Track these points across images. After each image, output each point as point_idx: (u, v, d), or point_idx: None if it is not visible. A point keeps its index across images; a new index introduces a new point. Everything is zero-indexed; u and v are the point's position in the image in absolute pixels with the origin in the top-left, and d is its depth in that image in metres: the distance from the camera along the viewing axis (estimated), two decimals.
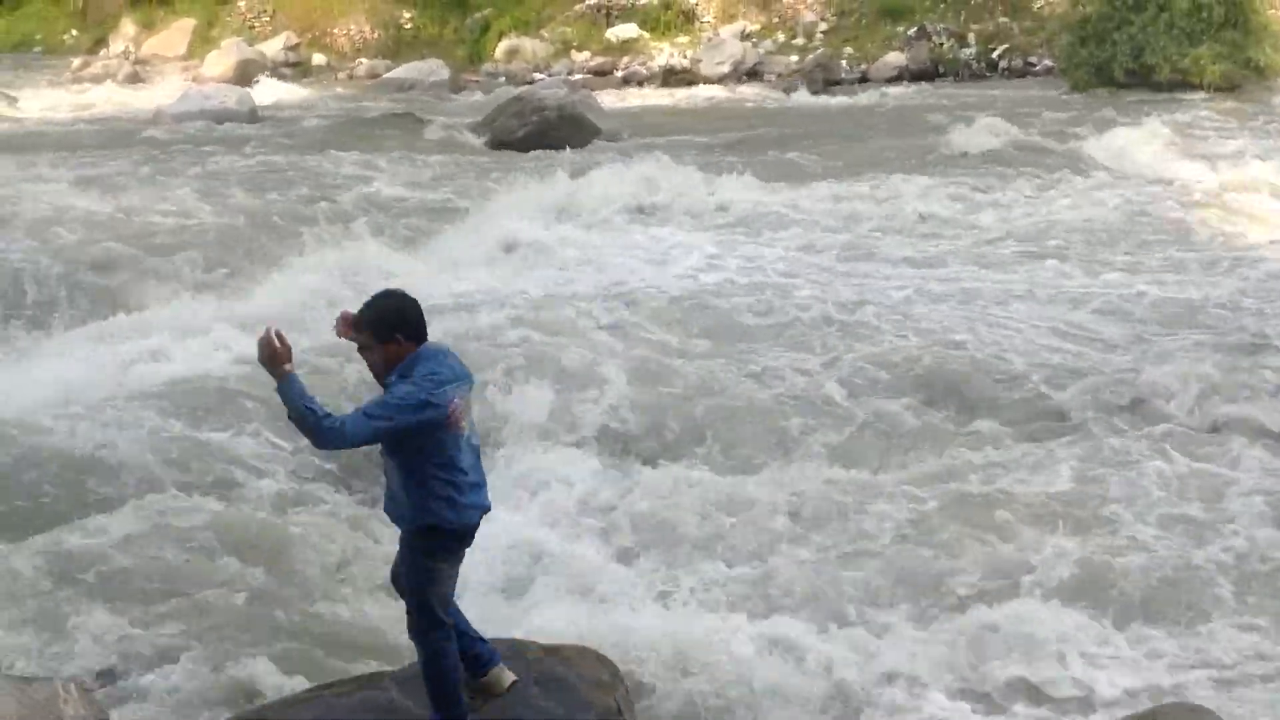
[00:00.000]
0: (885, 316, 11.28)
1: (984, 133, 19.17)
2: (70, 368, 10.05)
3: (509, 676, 5.11)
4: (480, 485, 4.87)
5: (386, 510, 5.00)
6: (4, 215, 14.01)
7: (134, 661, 6.22)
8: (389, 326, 4.72)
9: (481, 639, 5.12)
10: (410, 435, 4.62)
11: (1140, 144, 18.53)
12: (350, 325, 4.85)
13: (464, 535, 4.87)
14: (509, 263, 13.58)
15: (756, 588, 7.04)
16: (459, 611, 5.07)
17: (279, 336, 4.53)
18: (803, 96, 27.88)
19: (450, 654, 4.91)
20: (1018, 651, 6.34)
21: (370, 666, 5.77)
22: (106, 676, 6.11)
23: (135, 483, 7.97)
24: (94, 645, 6.30)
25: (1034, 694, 6.13)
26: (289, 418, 4.55)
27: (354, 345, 4.85)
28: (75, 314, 11.59)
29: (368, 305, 4.81)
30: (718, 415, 9.24)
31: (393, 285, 5.36)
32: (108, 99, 29.41)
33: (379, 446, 4.80)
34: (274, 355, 4.50)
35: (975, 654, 6.37)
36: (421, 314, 4.79)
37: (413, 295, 4.91)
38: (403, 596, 4.99)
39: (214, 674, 6.08)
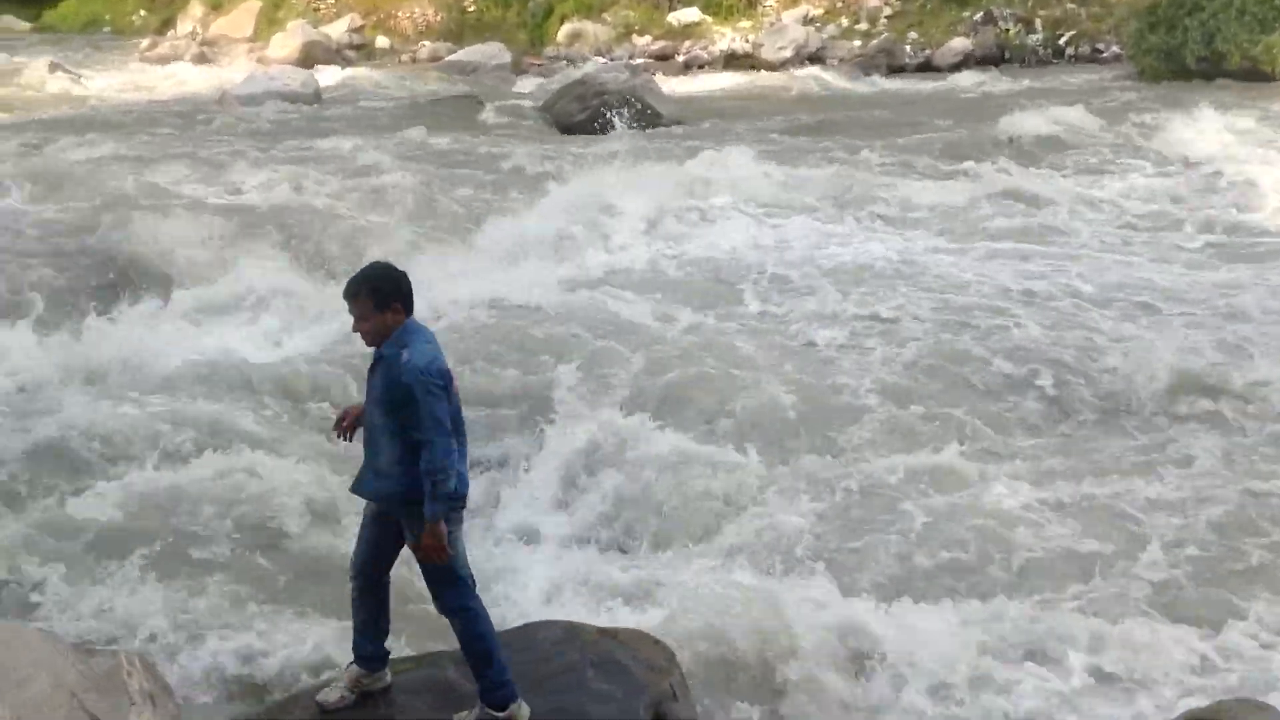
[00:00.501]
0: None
1: (1048, 121, 18.96)
2: (132, 343, 10.22)
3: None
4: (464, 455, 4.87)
5: (368, 491, 4.92)
6: (71, 193, 14.20)
7: (193, 634, 6.31)
8: (386, 295, 4.77)
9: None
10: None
11: (1211, 133, 18.21)
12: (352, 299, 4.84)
13: (463, 499, 4.88)
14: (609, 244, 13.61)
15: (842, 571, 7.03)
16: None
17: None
18: (866, 81, 27.66)
19: (486, 615, 4.96)
20: (1083, 636, 6.32)
21: (428, 646, 5.79)
22: (166, 649, 6.21)
23: (195, 454, 8.07)
24: (155, 617, 6.41)
25: (1100, 678, 6.08)
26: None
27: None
28: (140, 292, 11.67)
29: (366, 276, 4.85)
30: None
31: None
32: (174, 80, 29.77)
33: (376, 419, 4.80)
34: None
35: (1035, 636, 6.34)
36: (409, 285, 4.85)
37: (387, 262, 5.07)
38: (373, 582, 5.04)
39: (274, 648, 6.16)
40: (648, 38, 33.44)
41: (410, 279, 4.90)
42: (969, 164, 16.89)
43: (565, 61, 31.82)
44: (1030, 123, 18.87)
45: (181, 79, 29.78)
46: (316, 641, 6.11)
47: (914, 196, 15.32)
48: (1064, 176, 16.35)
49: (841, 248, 13.26)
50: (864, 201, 15.08)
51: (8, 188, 14.44)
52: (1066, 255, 12.91)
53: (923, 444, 8.57)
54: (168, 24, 40.88)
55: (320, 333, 10.29)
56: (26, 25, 45.22)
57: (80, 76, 28.71)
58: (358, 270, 4.95)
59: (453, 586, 4.89)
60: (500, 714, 4.87)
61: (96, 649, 5.51)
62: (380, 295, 4.77)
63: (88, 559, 6.85)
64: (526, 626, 5.76)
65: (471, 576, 4.95)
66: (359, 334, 4.83)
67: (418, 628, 5.97)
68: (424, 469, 4.62)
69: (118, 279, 11.97)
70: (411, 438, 4.67)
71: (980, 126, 19.81)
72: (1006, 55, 30.09)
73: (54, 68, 29.13)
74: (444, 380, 4.69)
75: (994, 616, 6.58)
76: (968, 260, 12.73)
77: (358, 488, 4.99)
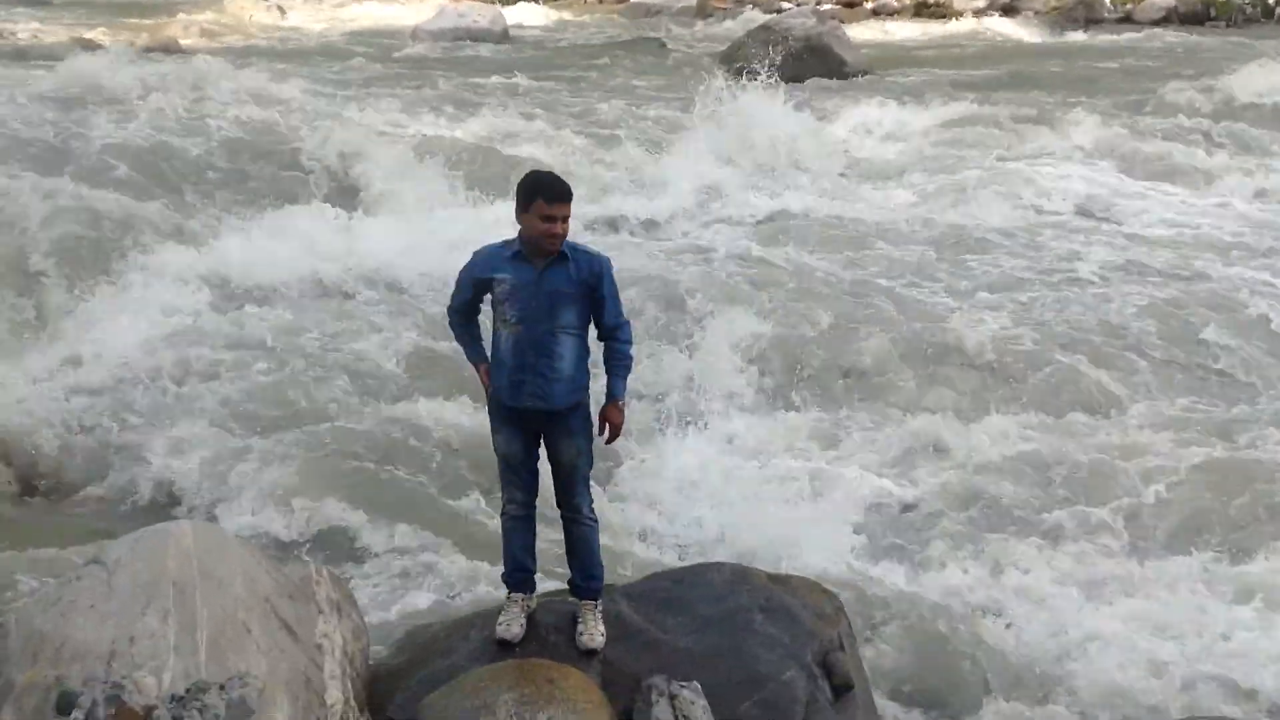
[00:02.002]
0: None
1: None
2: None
3: None
4: None
5: (561, 401, 4.85)
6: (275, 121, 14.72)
7: (375, 553, 6.58)
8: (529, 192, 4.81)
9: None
10: None
11: None
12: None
13: None
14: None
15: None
16: None
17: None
18: (1064, 35, 26.73)
19: None
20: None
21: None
22: (351, 560, 6.48)
23: (380, 386, 8.36)
24: (338, 534, 6.71)
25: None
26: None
27: None
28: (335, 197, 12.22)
29: (562, 180, 4.87)
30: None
31: None
32: (370, 14, 30.42)
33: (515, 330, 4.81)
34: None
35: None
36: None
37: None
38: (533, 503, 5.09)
39: (449, 567, 6.38)
40: None
41: None
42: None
43: (751, 5, 31.50)
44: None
45: (376, 14, 30.42)
46: (490, 571, 6.28)
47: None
48: None
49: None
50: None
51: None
52: None
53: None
54: None
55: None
56: None
57: (283, 8, 29.53)
58: (554, 175, 4.98)
59: (588, 490, 5.07)
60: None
61: (289, 558, 5.77)
62: (570, 197, 4.84)
63: (288, 474, 7.14)
64: (697, 566, 5.80)
65: None
66: (553, 237, 4.75)
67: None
68: (622, 351, 4.88)
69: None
70: (585, 342, 4.86)
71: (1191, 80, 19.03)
72: (1212, 13, 28.77)
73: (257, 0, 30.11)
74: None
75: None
76: None
77: (544, 400, 4.86)
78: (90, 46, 21.61)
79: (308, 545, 6.61)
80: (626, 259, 10.45)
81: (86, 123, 13.23)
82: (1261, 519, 7.18)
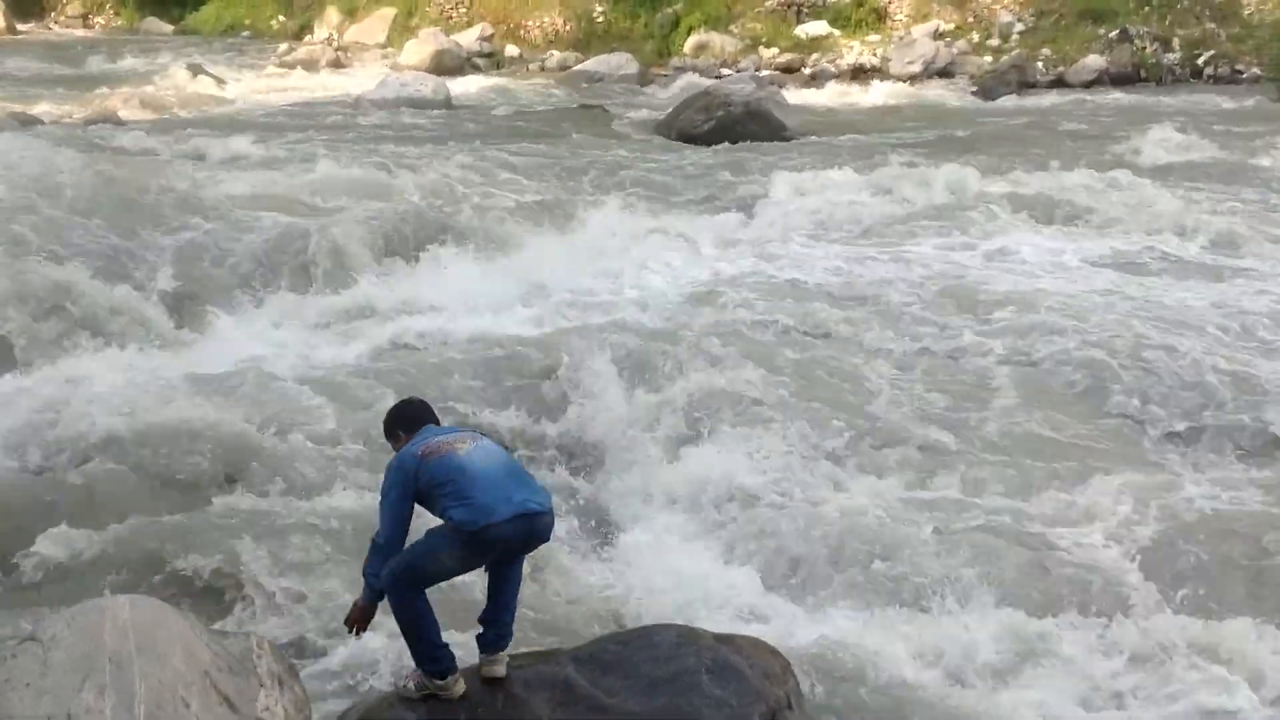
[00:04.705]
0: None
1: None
2: (266, 343, 10.60)
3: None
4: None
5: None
6: (210, 195, 14.63)
7: (319, 626, 6.49)
8: (390, 425, 5.69)
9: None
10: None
11: None
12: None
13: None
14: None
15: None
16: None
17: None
18: (996, 99, 27.24)
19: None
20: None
21: (547, 642, 5.88)
22: (295, 639, 6.39)
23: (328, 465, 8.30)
24: (283, 608, 6.62)
25: None
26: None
27: None
28: (275, 291, 12.00)
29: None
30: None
31: None
32: (311, 84, 30.46)
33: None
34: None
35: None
36: (413, 410, 5.71)
37: (406, 398, 6.11)
38: None
39: (394, 641, 6.29)
40: (775, 50, 33.38)
41: (414, 404, 5.85)
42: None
43: (692, 73, 31.91)
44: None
45: (318, 84, 30.47)
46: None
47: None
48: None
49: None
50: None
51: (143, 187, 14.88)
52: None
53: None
54: (305, 29, 41.91)
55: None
56: (169, 29, 46.65)
57: (221, 80, 29.53)
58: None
59: None
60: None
61: (229, 631, 5.69)
62: (386, 430, 5.72)
63: (225, 545, 7.06)
64: (643, 629, 5.80)
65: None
66: None
67: (534, 624, 6.07)
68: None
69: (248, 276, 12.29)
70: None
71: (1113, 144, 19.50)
72: (1142, 74, 29.47)
73: (196, 70, 30.07)
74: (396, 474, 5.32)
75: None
76: None
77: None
78: (29, 120, 21.53)
79: (250, 617, 6.52)
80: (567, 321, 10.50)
81: None
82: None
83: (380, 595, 5.29)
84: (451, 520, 5.08)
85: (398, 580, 5.18)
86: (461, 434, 5.52)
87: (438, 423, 5.67)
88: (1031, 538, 7.54)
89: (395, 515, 5.22)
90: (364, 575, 5.32)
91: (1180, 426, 9.14)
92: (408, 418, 5.65)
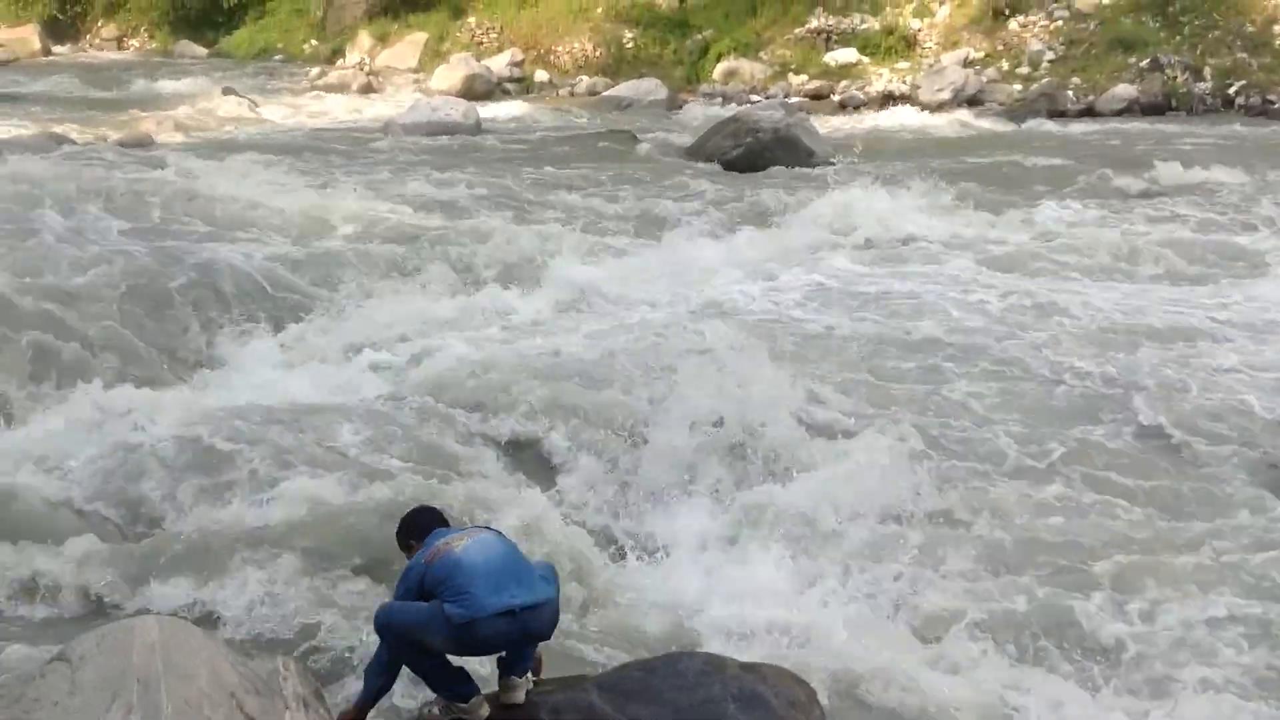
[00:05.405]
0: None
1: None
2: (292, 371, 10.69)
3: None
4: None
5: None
6: (244, 217, 14.76)
7: (344, 648, 6.49)
8: (402, 536, 5.84)
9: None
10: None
11: None
12: None
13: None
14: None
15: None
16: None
17: None
18: (1027, 125, 27.22)
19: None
20: None
21: (572, 669, 5.86)
22: (319, 654, 6.40)
23: (355, 468, 8.32)
24: (310, 630, 6.62)
25: None
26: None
27: None
28: (295, 314, 12.08)
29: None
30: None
31: None
32: (342, 107, 30.68)
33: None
34: None
35: None
36: (423, 519, 5.83)
37: (415, 507, 6.14)
38: None
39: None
40: (804, 77, 33.41)
41: (423, 510, 6.00)
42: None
43: (720, 99, 31.97)
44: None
45: (349, 107, 30.68)
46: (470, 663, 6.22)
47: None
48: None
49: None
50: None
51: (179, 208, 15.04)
52: None
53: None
54: (337, 54, 42.15)
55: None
56: (203, 51, 47.04)
57: (255, 103, 29.77)
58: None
59: None
60: None
61: (255, 653, 5.71)
62: (399, 539, 5.87)
63: (253, 567, 7.08)
64: (668, 656, 5.79)
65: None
66: None
67: (560, 651, 6.06)
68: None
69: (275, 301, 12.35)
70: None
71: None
72: (1173, 104, 29.35)
73: (228, 92, 30.33)
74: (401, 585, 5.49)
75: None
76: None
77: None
78: (61, 140, 21.74)
79: (276, 639, 6.53)
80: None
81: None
82: None
83: (374, 704, 5.41)
84: (444, 612, 5.16)
85: (388, 634, 5.31)
86: (463, 531, 5.67)
87: (447, 525, 5.83)
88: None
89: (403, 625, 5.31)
90: (365, 675, 5.45)
91: None
92: (419, 527, 5.80)
